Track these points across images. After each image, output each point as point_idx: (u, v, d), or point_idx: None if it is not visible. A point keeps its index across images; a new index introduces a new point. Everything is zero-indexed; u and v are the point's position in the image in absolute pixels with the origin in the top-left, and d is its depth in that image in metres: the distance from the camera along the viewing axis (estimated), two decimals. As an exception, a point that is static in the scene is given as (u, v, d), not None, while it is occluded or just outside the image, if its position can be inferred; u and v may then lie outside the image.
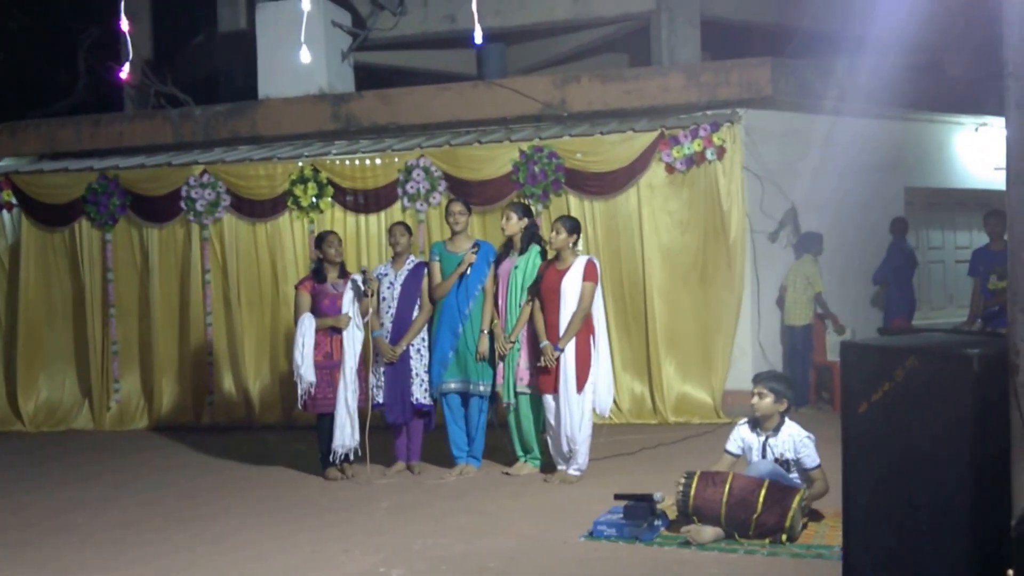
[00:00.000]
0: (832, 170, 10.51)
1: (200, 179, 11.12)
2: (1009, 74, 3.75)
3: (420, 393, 8.26)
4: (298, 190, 10.86)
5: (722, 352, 10.25)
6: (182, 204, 11.17)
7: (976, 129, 12.29)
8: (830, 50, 10.99)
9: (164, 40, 15.29)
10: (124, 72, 8.45)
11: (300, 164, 10.93)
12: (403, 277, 8.33)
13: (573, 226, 7.94)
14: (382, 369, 8.28)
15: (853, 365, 4.35)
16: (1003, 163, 3.90)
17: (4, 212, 11.92)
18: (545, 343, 7.81)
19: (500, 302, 8.18)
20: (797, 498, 6.00)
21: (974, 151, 12.38)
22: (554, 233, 7.87)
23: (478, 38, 7.21)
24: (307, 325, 8.14)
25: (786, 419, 6.54)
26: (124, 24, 7.59)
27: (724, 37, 13.28)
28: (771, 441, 6.49)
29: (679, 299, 10.33)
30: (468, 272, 8.17)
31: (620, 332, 10.32)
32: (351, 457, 8.21)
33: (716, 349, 10.26)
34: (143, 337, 11.48)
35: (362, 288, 8.17)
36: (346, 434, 8.07)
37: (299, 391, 8.17)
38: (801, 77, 10.60)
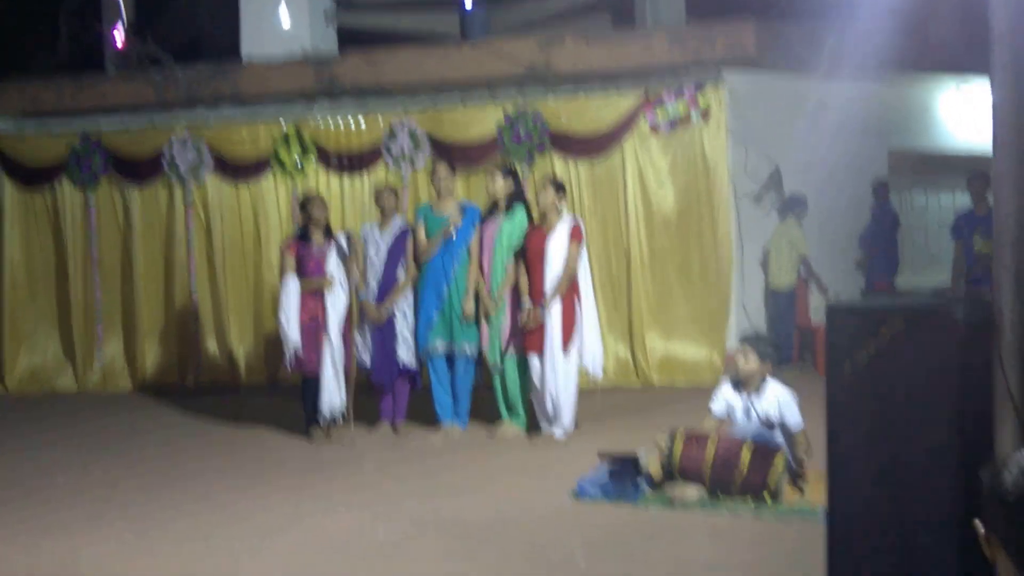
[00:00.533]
0: (816, 132, 10.48)
1: (182, 140, 11.05)
2: (994, 36, 3.74)
3: (406, 355, 8.27)
4: (282, 152, 10.82)
5: (718, 313, 10.26)
6: (164, 165, 11.11)
7: (958, 87, 12.24)
8: (815, 12, 10.93)
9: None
10: (119, 39, 8.34)
11: (283, 126, 10.87)
12: (389, 239, 8.32)
13: (560, 186, 7.98)
14: (368, 330, 8.29)
15: (839, 326, 4.35)
16: (987, 126, 3.90)
17: (-15, 174, 11.86)
18: (528, 306, 7.85)
19: (485, 264, 8.18)
20: (781, 458, 6.04)
21: (957, 113, 12.36)
22: (542, 190, 7.88)
23: (468, 2, 7.14)
24: (292, 287, 8.14)
25: (768, 379, 6.56)
26: None
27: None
28: (755, 401, 6.51)
29: (663, 261, 10.36)
30: (453, 234, 8.17)
31: (605, 294, 10.31)
32: (337, 419, 8.23)
33: (707, 311, 10.27)
34: (126, 299, 11.46)
35: (346, 249, 8.16)
36: (333, 396, 8.09)
37: (286, 352, 8.19)
38: (786, 39, 10.54)
